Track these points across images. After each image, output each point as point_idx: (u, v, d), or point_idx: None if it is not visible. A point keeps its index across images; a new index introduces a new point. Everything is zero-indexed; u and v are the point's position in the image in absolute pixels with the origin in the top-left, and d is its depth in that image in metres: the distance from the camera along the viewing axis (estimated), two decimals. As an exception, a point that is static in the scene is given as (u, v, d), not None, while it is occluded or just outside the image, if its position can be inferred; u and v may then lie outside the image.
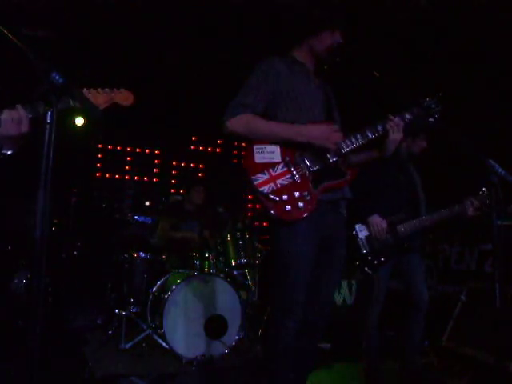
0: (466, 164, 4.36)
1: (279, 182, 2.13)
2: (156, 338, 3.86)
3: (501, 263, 2.54)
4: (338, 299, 4.79)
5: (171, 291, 3.70)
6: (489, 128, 4.76)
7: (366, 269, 3.15)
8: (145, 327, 4.02)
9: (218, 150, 7.95)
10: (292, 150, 2.20)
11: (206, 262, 4.10)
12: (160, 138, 7.50)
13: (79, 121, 6.66)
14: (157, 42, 5.34)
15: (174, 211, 4.93)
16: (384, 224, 3.12)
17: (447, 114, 2.38)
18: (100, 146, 7.38)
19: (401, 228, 3.16)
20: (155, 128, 7.16)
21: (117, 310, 4.13)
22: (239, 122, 2.21)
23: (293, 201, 2.10)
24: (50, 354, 3.25)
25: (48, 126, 1.55)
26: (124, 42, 5.31)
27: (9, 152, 1.98)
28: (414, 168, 3.41)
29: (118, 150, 7.48)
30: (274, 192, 2.10)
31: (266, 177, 2.13)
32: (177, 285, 3.74)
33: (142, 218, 5.04)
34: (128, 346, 3.85)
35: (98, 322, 4.58)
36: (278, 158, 2.17)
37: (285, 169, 2.16)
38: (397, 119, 2.31)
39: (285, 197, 2.10)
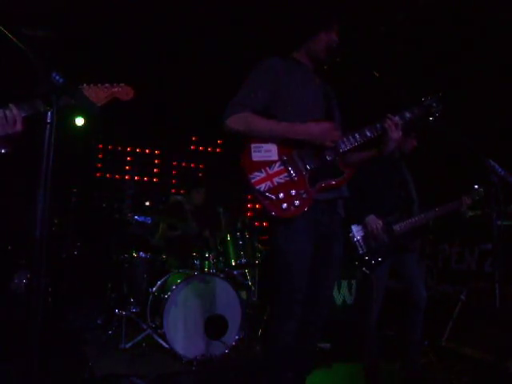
0: (465, 164, 4.36)
1: (276, 180, 2.14)
2: (156, 337, 3.86)
3: (501, 263, 2.54)
4: (338, 299, 4.79)
5: (171, 291, 3.70)
6: (489, 128, 4.76)
7: (364, 269, 3.15)
8: (145, 327, 4.01)
9: (218, 149, 7.96)
10: (289, 148, 2.20)
11: (206, 262, 4.10)
12: (160, 138, 7.50)
13: (79, 121, 6.65)
14: (156, 42, 5.35)
15: (174, 211, 4.93)
16: (380, 224, 3.12)
17: (447, 114, 2.39)
18: (100, 146, 7.38)
19: (397, 227, 3.17)
20: (155, 128, 7.16)
21: (117, 309, 4.13)
22: (238, 121, 2.22)
23: (289, 199, 2.11)
24: (50, 353, 3.25)
25: (48, 126, 1.55)
26: (124, 42, 5.31)
27: (3, 151, 1.99)
28: (406, 167, 3.42)
29: (118, 150, 7.48)
30: (270, 190, 2.11)
31: (262, 175, 2.14)
32: (177, 285, 3.74)
33: (142, 218, 5.03)
34: (128, 345, 3.85)
35: (98, 322, 4.58)
36: (274, 156, 2.18)
37: (282, 167, 2.17)
38: (396, 118, 2.31)
39: (281, 195, 2.11)
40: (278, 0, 4.10)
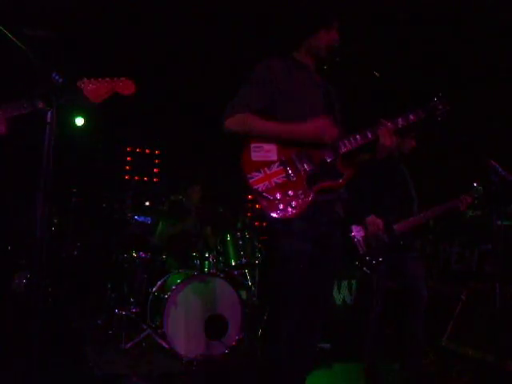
0: (466, 164, 4.36)
1: (274, 180, 2.13)
2: (156, 337, 3.86)
3: (501, 263, 2.54)
4: (338, 299, 4.79)
5: (171, 291, 3.70)
6: (489, 128, 4.76)
7: (365, 269, 3.15)
8: (145, 327, 4.01)
9: (217, 149, 7.94)
10: (289, 149, 2.20)
11: (206, 262, 4.10)
12: (160, 138, 7.51)
13: (79, 121, 6.65)
14: (157, 43, 5.35)
15: (174, 210, 4.93)
16: (380, 224, 3.12)
17: (447, 114, 2.38)
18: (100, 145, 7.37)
19: (397, 227, 3.17)
20: (155, 128, 7.16)
21: (117, 309, 4.12)
22: (237, 122, 2.21)
23: (286, 199, 2.11)
24: (50, 353, 3.25)
25: (48, 126, 1.55)
26: (124, 42, 5.31)
27: None
28: (406, 167, 3.42)
29: (118, 151, 7.48)
30: (267, 190, 2.11)
31: (261, 175, 2.13)
32: (177, 285, 3.74)
33: (141, 218, 5.03)
34: (128, 346, 3.84)
35: (98, 322, 4.57)
36: (274, 156, 2.17)
37: (280, 167, 2.16)
38: (389, 124, 2.28)
39: (278, 195, 2.11)
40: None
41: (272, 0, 4.38)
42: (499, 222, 2.53)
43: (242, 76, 2.33)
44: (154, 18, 4.94)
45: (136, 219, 4.85)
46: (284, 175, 2.15)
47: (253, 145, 2.18)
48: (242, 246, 4.27)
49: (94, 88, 1.97)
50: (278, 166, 2.16)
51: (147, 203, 6.62)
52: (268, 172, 2.14)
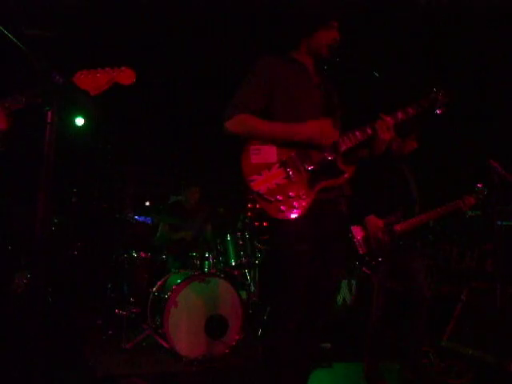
0: (466, 164, 4.36)
1: (275, 182, 2.13)
2: (156, 337, 3.86)
3: (501, 263, 2.54)
4: (338, 299, 4.80)
5: (171, 291, 3.70)
6: (489, 128, 4.76)
7: (364, 269, 3.15)
8: (145, 327, 4.01)
9: (217, 149, 7.94)
10: (288, 149, 2.19)
11: (206, 262, 4.10)
12: (160, 138, 7.50)
13: (79, 121, 6.65)
14: (158, 41, 5.35)
15: (174, 211, 4.94)
16: (380, 224, 3.12)
17: (448, 114, 2.38)
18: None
19: (398, 227, 3.16)
20: (155, 127, 7.16)
21: (117, 309, 4.12)
22: (236, 123, 2.21)
23: (287, 201, 2.11)
24: (50, 354, 3.25)
25: (48, 126, 1.55)
26: (123, 43, 5.31)
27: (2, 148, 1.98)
28: (408, 168, 3.41)
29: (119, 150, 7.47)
30: (269, 192, 2.10)
31: (261, 177, 2.13)
32: (177, 285, 3.74)
33: (142, 218, 5.03)
34: (128, 345, 3.84)
35: (98, 322, 4.57)
36: (273, 158, 2.17)
37: (281, 169, 2.16)
38: (388, 118, 2.29)
39: (279, 197, 2.10)
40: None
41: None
42: (499, 222, 2.53)
43: (242, 74, 2.33)
44: (154, 19, 4.94)
45: (136, 219, 4.84)
46: (285, 176, 2.15)
47: (252, 147, 2.18)
48: (242, 246, 4.26)
49: (91, 79, 1.94)
50: (278, 167, 2.16)
51: (147, 203, 6.63)
52: (268, 174, 2.14)
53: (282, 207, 2.09)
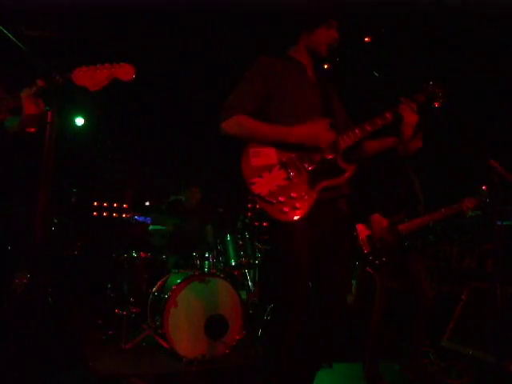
0: (466, 164, 4.36)
1: (275, 183, 2.12)
2: (156, 337, 3.86)
3: (502, 263, 2.54)
4: (338, 299, 4.78)
5: (171, 291, 3.70)
6: (489, 128, 4.76)
7: (368, 268, 3.15)
8: (145, 327, 4.01)
9: (217, 149, 7.94)
10: (288, 150, 2.18)
11: (206, 262, 4.10)
12: (160, 138, 7.49)
13: (79, 121, 6.65)
14: (158, 41, 5.35)
15: (175, 210, 4.94)
16: (385, 223, 3.12)
17: (447, 114, 2.37)
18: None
19: (402, 227, 3.16)
20: (155, 127, 7.16)
21: (117, 309, 4.12)
22: (232, 124, 2.21)
23: (289, 202, 2.10)
24: (50, 353, 3.24)
25: (48, 126, 1.55)
26: (123, 43, 5.31)
27: (32, 130, 1.99)
28: (413, 168, 3.41)
29: (118, 150, 7.47)
30: (270, 194, 2.10)
31: (262, 180, 2.12)
32: (177, 285, 3.73)
33: (141, 218, 5.03)
34: (128, 346, 3.84)
35: (98, 322, 4.57)
36: (273, 159, 2.17)
37: (281, 170, 2.15)
38: (408, 100, 2.26)
39: (281, 198, 2.10)
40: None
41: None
42: (500, 222, 2.53)
43: (239, 74, 2.32)
44: (154, 17, 4.94)
45: (136, 219, 4.84)
46: (285, 177, 2.14)
47: (251, 150, 2.18)
48: (242, 246, 4.26)
49: (90, 75, 1.93)
50: (278, 169, 2.15)
51: (147, 203, 6.62)
52: (269, 176, 2.13)
53: (284, 209, 2.09)
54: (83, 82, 1.92)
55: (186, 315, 3.70)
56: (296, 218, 2.10)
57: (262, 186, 2.11)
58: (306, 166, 2.18)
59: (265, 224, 2.21)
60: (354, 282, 4.82)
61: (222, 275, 3.95)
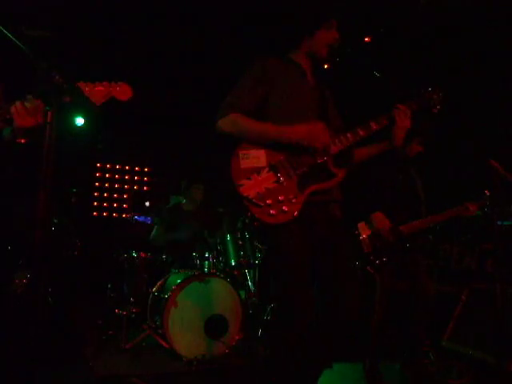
0: (467, 164, 4.36)
1: (264, 186, 2.12)
2: (156, 337, 3.86)
3: (501, 263, 2.54)
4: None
5: (171, 291, 3.70)
6: (489, 128, 4.76)
7: (369, 268, 3.15)
8: (145, 327, 4.01)
9: (217, 149, 7.94)
10: (277, 153, 2.18)
11: (206, 262, 4.10)
12: (160, 139, 7.50)
13: (79, 121, 6.65)
14: (156, 45, 5.35)
15: (173, 214, 4.89)
16: (387, 223, 3.12)
17: (448, 115, 2.38)
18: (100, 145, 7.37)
19: (404, 228, 3.17)
20: (155, 127, 7.16)
21: (117, 309, 4.12)
22: (228, 122, 2.22)
23: (277, 205, 2.09)
24: (50, 353, 3.25)
25: (48, 126, 1.55)
26: (123, 43, 5.31)
27: (22, 141, 1.99)
28: (415, 170, 3.42)
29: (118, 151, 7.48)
30: (258, 197, 2.09)
31: (250, 182, 2.12)
32: (177, 285, 3.74)
33: (142, 218, 5.03)
34: (128, 346, 3.84)
35: (98, 322, 4.57)
36: (263, 162, 2.16)
37: (270, 173, 2.15)
38: (404, 107, 2.28)
39: (268, 201, 2.09)
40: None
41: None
42: (500, 222, 2.53)
43: (238, 75, 2.33)
44: (152, 21, 4.94)
45: (136, 219, 4.84)
46: (274, 180, 2.14)
47: (241, 152, 2.17)
48: (242, 246, 4.26)
49: (88, 92, 1.97)
50: (267, 172, 2.15)
51: (147, 203, 6.62)
52: (258, 178, 2.13)
53: (271, 211, 2.08)
54: (87, 95, 1.95)
55: (185, 315, 3.70)
56: (284, 221, 2.09)
57: (250, 188, 2.11)
58: (296, 169, 2.17)
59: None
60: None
61: (221, 275, 3.96)
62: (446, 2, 4.40)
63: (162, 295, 3.85)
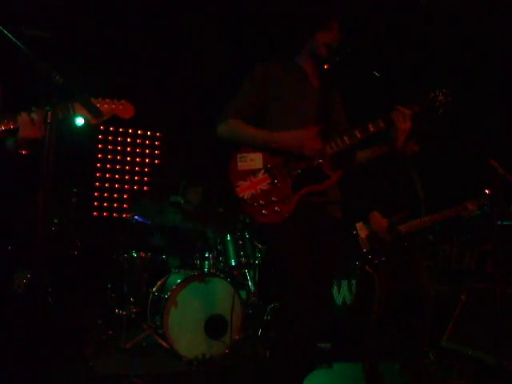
0: (467, 164, 4.36)
1: (259, 187, 2.21)
2: (156, 337, 3.86)
3: (501, 263, 2.54)
4: (338, 299, 4.79)
5: (171, 291, 3.70)
6: (489, 128, 4.76)
7: (367, 268, 3.15)
8: (145, 327, 4.01)
9: (217, 149, 7.94)
10: (274, 156, 2.25)
11: (206, 262, 4.10)
12: (160, 138, 7.50)
13: (79, 121, 6.65)
14: (156, 43, 5.35)
15: (173, 213, 4.89)
16: (385, 222, 3.12)
17: (448, 115, 2.37)
18: (100, 145, 7.37)
19: (402, 227, 3.17)
20: (155, 127, 7.16)
21: (117, 309, 4.12)
22: (226, 128, 2.31)
23: (269, 205, 2.18)
24: (50, 353, 3.25)
25: (48, 126, 1.55)
26: (123, 42, 5.31)
27: (24, 152, 2.01)
28: (415, 169, 3.42)
29: (119, 150, 7.48)
30: (252, 198, 2.19)
31: (246, 183, 2.22)
32: (177, 285, 3.74)
33: (142, 218, 5.03)
34: (128, 345, 3.84)
35: (98, 322, 4.57)
36: (259, 164, 2.25)
37: (265, 175, 2.23)
38: (404, 109, 2.27)
39: (262, 202, 2.18)
40: (275, 2, 4.12)
41: (271, 2, 4.39)
42: (499, 222, 2.53)
43: (243, 75, 2.35)
44: (154, 14, 4.94)
45: (136, 219, 4.84)
46: (270, 182, 2.22)
47: (238, 155, 2.26)
48: (242, 246, 4.26)
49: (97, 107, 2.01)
50: (263, 174, 2.23)
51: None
52: (254, 180, 2.22)
53: (264, 211, 2.17)
54: (84, 113, 1.97)
55: (186, 315, 3.70)
56: (276, 221, 2.17)
57: (245, 189, 2.21)
58: (291, 171, 2.23)
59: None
60: (353, 282, 4.83)
61: (222, 275, 3.96)
62: (446, 2, 4.40)
63: (162, 295, 3.85)
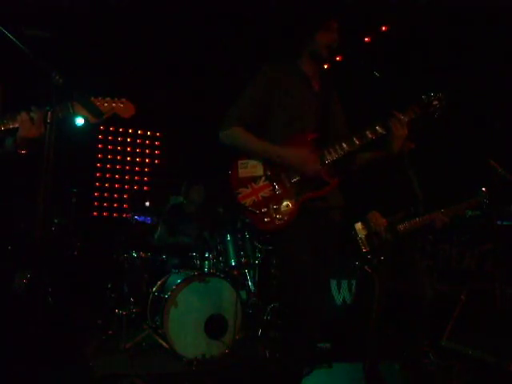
0: (466, 164, 4.36)
1: (261, 194, 2.23)
2: (156, 337, 3.86)
3: (501, 263, 2.55)
4: (338, 299, 4.79)
5: (171, 291, 3.70)
6: (489, 128, 4.76)
7: (366, 268, 3.15)
8: (145, 327, 4.01)
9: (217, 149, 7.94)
10: (275, 164, 2.25)
11: (206, 262, 4.10)
12: (160, 138, 7.51)
13: (79, 121, 6.64)
14: (156, 43, 5.35)
15: (174, 214, 4.88)
16: (383, 222, 3.12)
17: (448, 114, 2.37)
18: (100, 145, 7.38)
19: (400, 227, 3.17)
20: (155, 127, 7.16)
21: (117, 309, 4.12)
22: (229, 136, 2.31)
23: (271, 213, 2.20)
24: (50, 353, 3.25)
25: (48, 126, 1.55)
26: (123, 42, 5.31)
27: (23, 152, 2.01)
28: (412, 167, 3.41)
29: (119, 150, 7.49)
30: (254, 205, 2.21)
31: (248, 190, 2.24)
32: (177, 285, 3.74)
33: (142, 218, 5.03)
34: (128, 345, 3.84)
35: (98, 322, 4.57)
36: (260, 171, 2.27)
37: (266, 182, 2.25)
38: (400, 116, 2.28)
39: (264, 209, 2.20)
40: (274, 3, 4.12)
41: (271, 5, 4.39)
42: (499, 222, 2.53)
43: (241, 78, 2.35)
44: (155, 14, 4.94)
45: (136, 219, 4.84)
46: (270, 189, 2.23)
47: (239, 161, 2.28)
48: (241, 246, 4.26)
49: (97, 106, 2.01)
50: (264, 181, 2.25)
51: (147, 203, 6.62)
52: (255, 186, 2.24)
53: (265, 219, 2.19)
54: (84, 112, 1.97)
55: (186, 315, 3.70)
56: (278, 228, 2.19)
57: (247, 196, 2.22)
58: (291, 178, 2.25)
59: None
60: (353, 282, 4.83)
61: (222, 275, 3.96)
62: (446, 2, 4.40)
63: (162, 295, 3.85)
